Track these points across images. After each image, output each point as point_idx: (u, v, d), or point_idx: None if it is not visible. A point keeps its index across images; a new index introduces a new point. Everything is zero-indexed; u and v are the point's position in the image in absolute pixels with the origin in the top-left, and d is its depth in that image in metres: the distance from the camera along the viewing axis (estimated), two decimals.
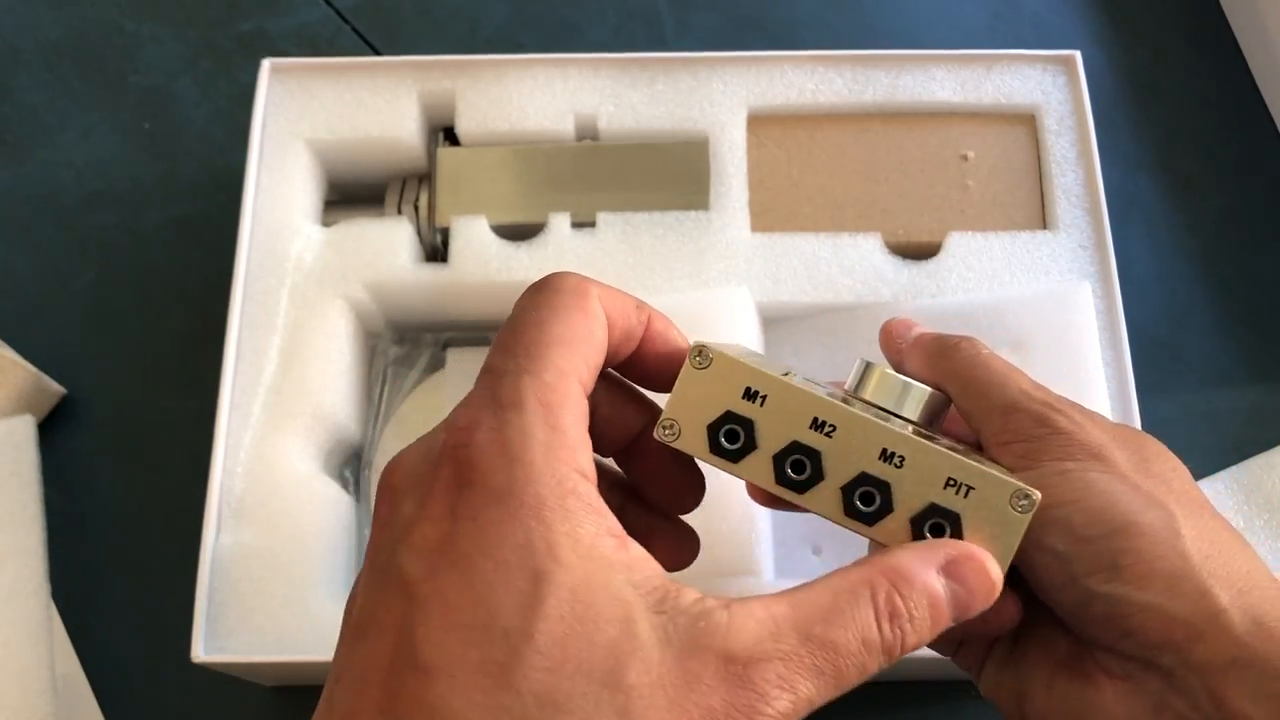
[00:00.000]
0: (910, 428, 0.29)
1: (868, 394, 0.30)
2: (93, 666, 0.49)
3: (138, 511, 0.52)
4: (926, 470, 0.27)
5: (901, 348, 0.33)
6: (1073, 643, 0.29)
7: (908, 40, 0.62)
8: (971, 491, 0.27)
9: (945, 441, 0.29)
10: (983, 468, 0.27)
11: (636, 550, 0.23)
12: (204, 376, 0.47)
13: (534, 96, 0.51)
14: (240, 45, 0.62)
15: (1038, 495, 0.27)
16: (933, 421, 0.31)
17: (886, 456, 0.27)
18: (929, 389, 0.31)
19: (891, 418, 0.29)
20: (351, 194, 0.54)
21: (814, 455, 0.27)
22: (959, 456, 0.27)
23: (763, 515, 0.44)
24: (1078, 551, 0.27)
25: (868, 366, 0.31)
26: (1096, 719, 0.27)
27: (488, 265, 0.49)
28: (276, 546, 0.43)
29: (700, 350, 0.28)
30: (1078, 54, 0.52)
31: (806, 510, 0.28)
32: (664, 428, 0.28)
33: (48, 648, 0.46)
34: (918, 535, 0.27)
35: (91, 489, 0.52)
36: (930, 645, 0.30)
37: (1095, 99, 0.51)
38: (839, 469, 0.28)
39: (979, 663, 0.31)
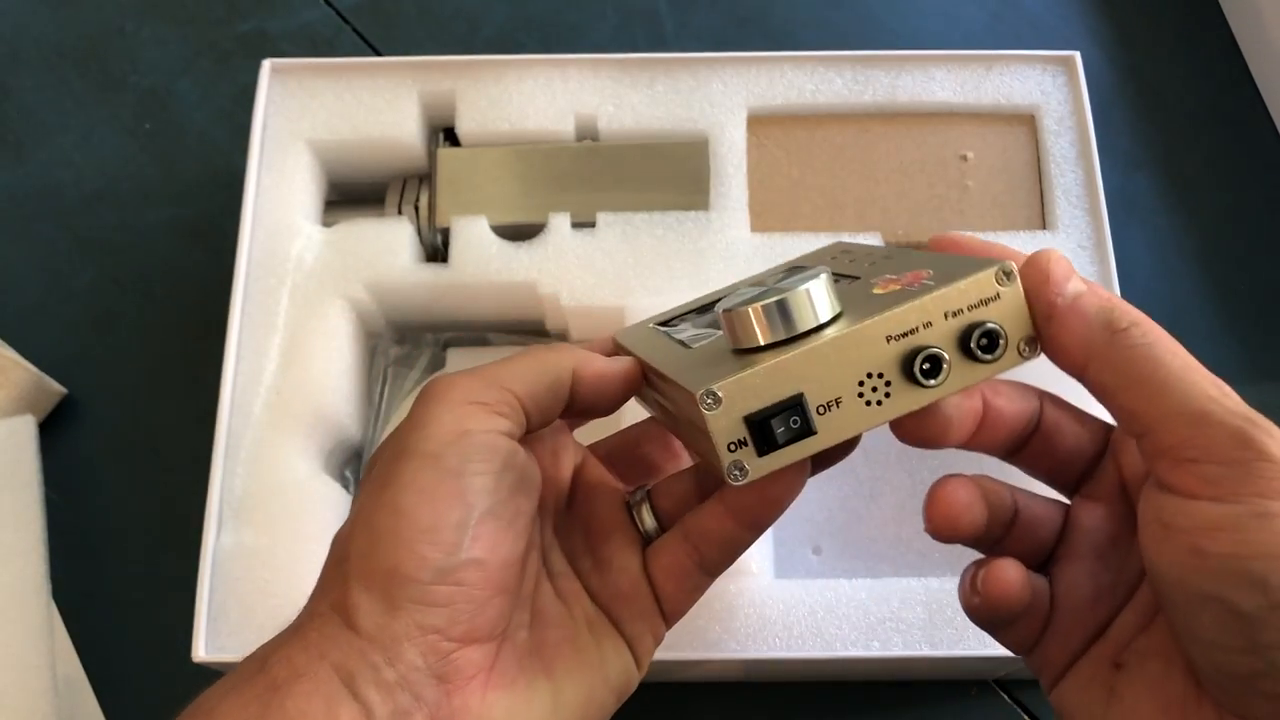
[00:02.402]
0: (841, 320, 0.27)
1: (769, 336, 0.27)
2: (93, 666, 0.49)
3: (138, 511, 0.52)
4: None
5: (1056, 302, 0.27)
6: (1191, 689, 0.26)
7: (907, 40, 0.62)
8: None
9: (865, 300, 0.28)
10: (951, 285, 0.26)
11: None
12: (204, 376, 0.47)
13: (534, 96, 0.51)
14: (240, 45, 0.62)
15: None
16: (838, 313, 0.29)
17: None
18: (795, 290, 0.27)
19: (820, 330, 0.27)
20: (352, 194, 0.54)
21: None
22: (917, 295, 0.27)
23: None
24: (1273, 619, 0.23)
25: (738, 311, 0.28)
26: None
27: (488, 265, 0.49)
28: (276, 546, 0.43)
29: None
30: (1077, 54, 0.52)
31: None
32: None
33: (48, 648, 0.46)
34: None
35: (91, 489, 0.52)
36: (1005, 640, 0.30)
37: (1095, 99, 0.51)
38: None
39: (1058, 670, 0.30)
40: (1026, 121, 0.52)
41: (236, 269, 0.47)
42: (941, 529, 0.30)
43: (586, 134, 0.52)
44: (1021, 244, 0.49)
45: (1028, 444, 0.31)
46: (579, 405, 0.32)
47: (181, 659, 0.41)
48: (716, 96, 0.51)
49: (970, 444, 0.30)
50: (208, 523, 0.43)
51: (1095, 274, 0.48)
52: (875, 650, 0.41)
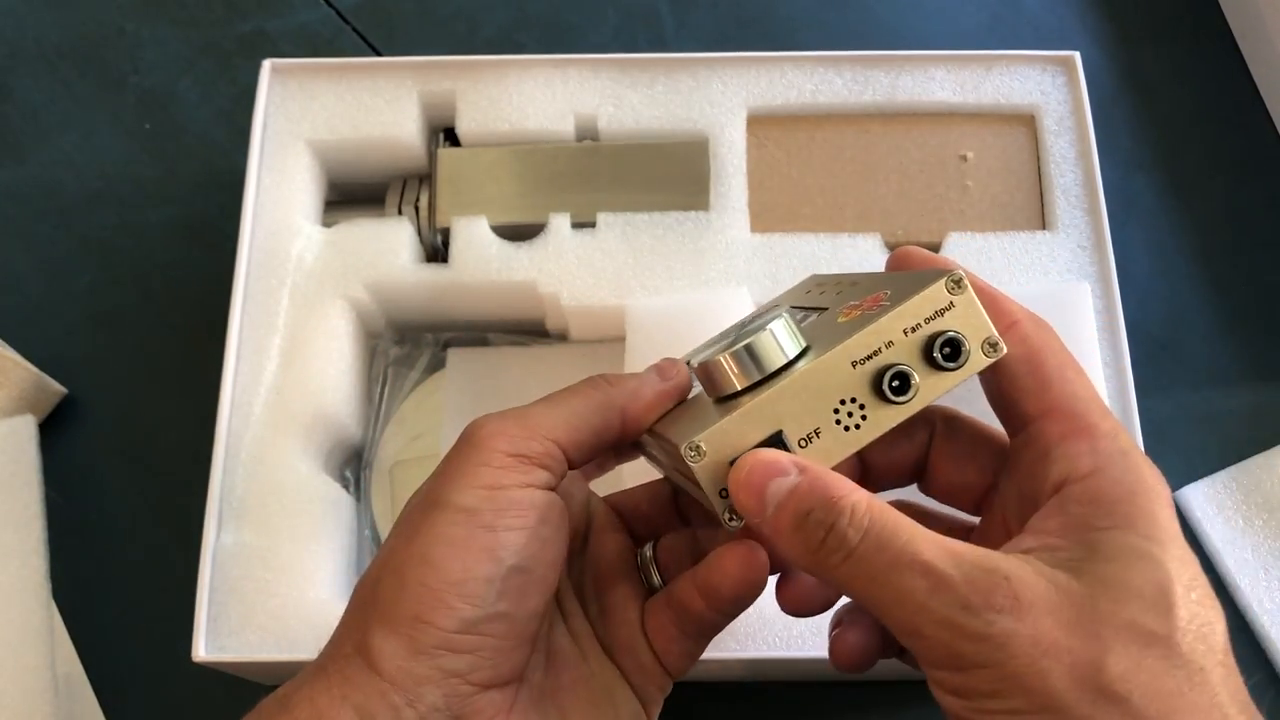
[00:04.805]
0: (809, 354, 0.28)
1: (743, 382, 0.28)
2: (93, 666, 0.49)
3: (138, 511, 0.52)
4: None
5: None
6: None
7: (907, 40, 0.62)
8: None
9: (825, 328, 0.30)
10: (892, 309, 0.28)
11: None
12: (204, 376, 0.47)
13: (534, 96, 0.51)
14: (240, 46, 0.62)
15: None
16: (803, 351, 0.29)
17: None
18: (760, 332, 0.28)
19: (790, 367, 0.28)
20: (352, 194, 0.54)
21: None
22: (875, 318, 0.28)
23: None
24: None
25: (712, 361, 0.29)
26: None
27: (488, 265, 0.49)
28: (277, 546, 0.43)
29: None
30: (1077, 54, 0.52)
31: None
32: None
33: (48, 648, 0.46)
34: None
35: (91, 489, 0.52)
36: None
37: (1095, 99, 0.51)
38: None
39: None
40: (1026, 121, 0.52)
41: (236, 269, 0.47)
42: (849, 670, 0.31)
43: (586, 134, 0.52)
44: (1021, 244, 0.49)
45: (924, 477, 0.32)
46: (626, 442, 0.33)
47: (181, 659, 0.41)
48: (716, 96, 0.51)
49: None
50: (208, 523, 0.43)
51: (1095, 274, 0.48)
52: None
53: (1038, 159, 0.51)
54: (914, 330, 0.27)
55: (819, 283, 0.38)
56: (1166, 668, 0.23)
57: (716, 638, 0.42)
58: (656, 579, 0.34)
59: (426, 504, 0.29)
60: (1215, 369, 0.55)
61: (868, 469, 0.32)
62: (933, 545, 0.25)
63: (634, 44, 0.62)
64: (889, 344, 0.27)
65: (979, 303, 0.28)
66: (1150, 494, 0.26)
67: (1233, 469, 0.52)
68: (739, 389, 0.28)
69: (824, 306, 0.33)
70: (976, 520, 0.32)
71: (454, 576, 0.27)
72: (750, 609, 0.42)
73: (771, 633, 0.42)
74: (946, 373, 0.28)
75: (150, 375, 0.54)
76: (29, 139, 0.60)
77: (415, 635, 0.27)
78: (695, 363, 0.29)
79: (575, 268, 0.48)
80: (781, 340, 0.28)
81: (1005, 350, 0.28)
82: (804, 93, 0.52)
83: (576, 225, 0.49)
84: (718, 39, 0.63)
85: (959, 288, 0.28)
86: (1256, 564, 0.50)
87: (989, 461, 0.31)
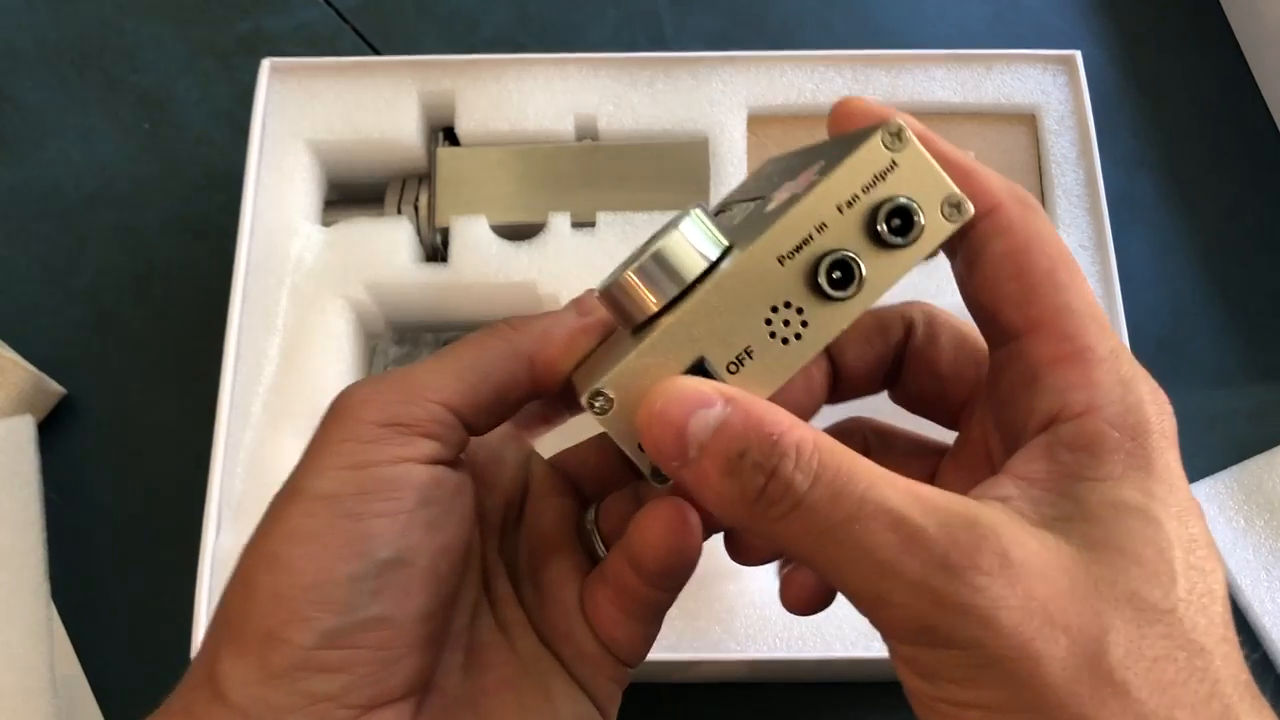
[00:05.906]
0: (732, 251, 0.23)
1: (659, 301, 0.23)
2: (93, 666, 0.49)
3: (138, 511, 0.52)
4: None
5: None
6: None
7: (908, 40, 0.62)
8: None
9: (754, 214, 0.24)
10: (831, 174, 0.22)
11: None
12: (204, 376, 0.47)
13: (534, 96, 0.51)
14: (240, 45, 0.62)
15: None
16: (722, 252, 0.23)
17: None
18: (667, 236, 0.22)
19: (712, 268, 0.23)
20: (351, 194, 0.54)
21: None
22: (801, 198, 0.22)
23: None
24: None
25: (615, 283, 0.23)
26: None
27: (488, 265, 0.49)
28: None
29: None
30: (1078, 54, 0.52)
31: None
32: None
33: (48, 648, 0.46)
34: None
35: (91, 489, 0.52)
36: None
37: (1095, 99, 0.51)
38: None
39: None
40: (1027, 121, 0.52)
41: (236, 269, 0.47)
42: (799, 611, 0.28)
43: (586, 134, 0.52)
44: None
45: (896, 383, 0.28)
46: (544, 394, 0.27)
47: (181, 659, 0.41)
48: (716, 96, 0.51)
49: (833, 400, 0.28)
50: (207, 523, 0.43)
51: (1096, 274, 0.48)
52: (875, 650, 0.41)
53: (1039, 159, 0.51)
54: (850, 204, 0.22)
55: (772, 165, 0.31)
56: (1168, 649, 0.20)
57: (717, 638, 0.42)
58: (600, 549, 0.28)
59: (283, 494, 0.24)
60: (1217, 369, 0.55)
61: (839, 371, 0.27)
62: (900, 491, 0.20)
63: (634, 44, 0.62)
64: (821, 227, 0.22)
65: (929, 155, 0.22)
66: (1151, 435, 0.22)
67: (1234, 469, 0.52)
68: (654, 312, 0.22)
69: (760, 195, 0.26)
70: (950, 439, 0.28)
71: (308, 579, 0.22)
72: (750, 609, 0.42)
73: (771, 633, 0.42)
74: (898, 250, 0.22)
75: (150, 375, 0.54)
76: (29, 139, 0.60)
77: (268, 655, 0.22)
78: (599, 290, 0.23)
79: (575, 268, 0.48)
80: (695, 242, 0.22)
81: (972, 211, 0.23)
82: (804, 92, 0.52)
83: (576, 225, 0.49)
84: (717, 39, 0.63)
85: (899, 140, 0.22)
86: (1258, 564, 0.49)
87: (973, 371, 0.27)
